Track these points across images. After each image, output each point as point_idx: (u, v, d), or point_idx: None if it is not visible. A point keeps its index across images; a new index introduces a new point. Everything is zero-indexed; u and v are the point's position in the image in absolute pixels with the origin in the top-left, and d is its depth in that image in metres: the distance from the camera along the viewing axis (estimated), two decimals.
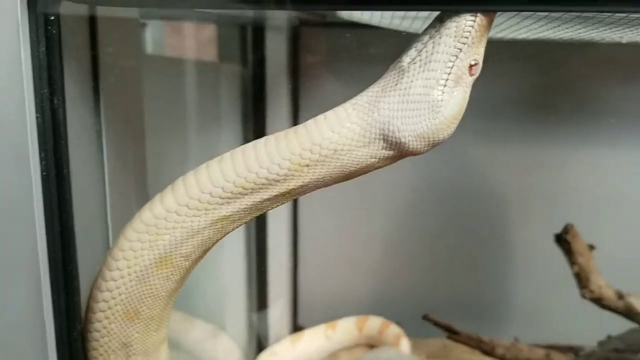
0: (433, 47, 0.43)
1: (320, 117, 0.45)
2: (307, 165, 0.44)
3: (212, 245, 0.49)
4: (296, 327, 1.10)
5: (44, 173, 0.41)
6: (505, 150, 1.03)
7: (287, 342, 0.99)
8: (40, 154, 0.40)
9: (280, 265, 1.05)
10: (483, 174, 1.05)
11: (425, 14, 0.54)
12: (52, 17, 0.40)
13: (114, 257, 0.46)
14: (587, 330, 0.85)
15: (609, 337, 0.81)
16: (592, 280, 0.80)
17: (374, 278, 1.12)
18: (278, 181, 0.45)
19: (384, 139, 0.44)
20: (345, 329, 1.00)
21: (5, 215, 0.40)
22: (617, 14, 0.46)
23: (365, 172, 0.47)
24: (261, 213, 0.48)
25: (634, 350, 0.78)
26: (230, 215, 0.46)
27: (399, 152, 0.45)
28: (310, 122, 0.45)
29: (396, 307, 1.09)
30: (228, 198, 0.45)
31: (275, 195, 0.46)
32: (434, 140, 0.44)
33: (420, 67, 0.43)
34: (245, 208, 0.46)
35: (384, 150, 0.45)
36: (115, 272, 0.46)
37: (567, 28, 0.58)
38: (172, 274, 0.47)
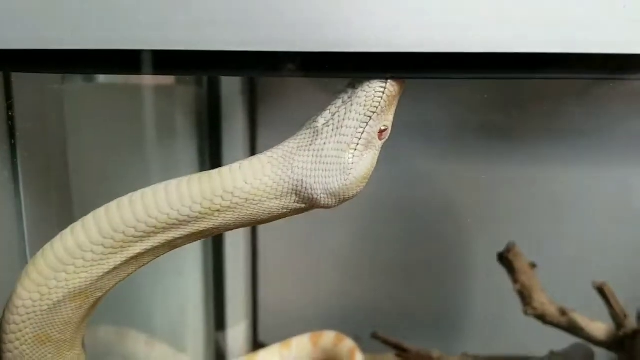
0: (345, 113, 0.45)
1: (235, 165, 0.47)
2: (218, 210, 0.46)
3: (128, 276, 0.50)
4: (257, 344, 1.11)
5: None
6: (464, 166, 1.04)
7: None
8: None
9: (239, 282, 1.06)
10: (439, 190, 1.06)
11: None
12: None
13: (25, 288, 0.45)
14: (541, 340, 0.87)
15: (552, 353, 0.82)
16: (535, 298, 0.82)
17: (334, 294, 1.13)
18: (189, 222, 0.46)
19: (296, 194, 0.47)
20: (300, 346, 1.01)
21: None
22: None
23: (277, 219, 0.49)
24: (178, 247, 0.50)
25: None
26: (145, 251, 0.47)
27: (310, 206, 0.48)
28: (225, 169, 0.47)
29: (356, 322, 1.10)
30: (141, 237, 0.46)
31: (187, 235, 0.47)
32: (344, 197, 0.48)
33: (333, 130, 0.46)
34: (159, 245, 0.47)
35: (295, 204, 0.47)
36: (27, 302, 0.46)
37: None
38: (85, 304, 0.48)
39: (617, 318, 0.78)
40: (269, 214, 0.47)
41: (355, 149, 0.46)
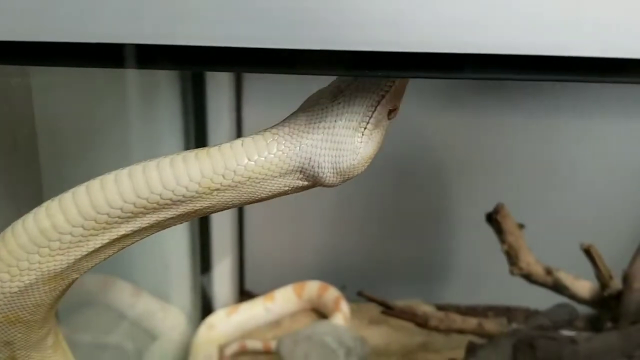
0: (356, 92, 0.44)
1: (237, 142, 0.44)
2: (217, 190, 0.43)
3: (109, 257, 0.48)
4: (243, 293, 1.12)
5: None
6: (454, 119, 1.02)
7: (222, 313, 1.01)
8: None
9: (225, 231, 1.05)
10: (427, 143, 1.04)
11: None
12: None
13: None
14: (524, 291, 0.88)
15: (536, 313, 0.83)
16: (521, 258, 0.81)
17: (321, 246, 1.13)
18: (183, 202, 0.43)
19: (301, 172, 0.45)
20: (284, 298, 1.02)
21: None
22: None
23: (275, 197, 0.47)
24: (168, 228, 0.47)
25: (558, 326, 0.80)
26: (131, 232, 0.44)
27: (313, 183, 0.46)
28: (225, 145, 0.44)
29: (342, 273, 1.10)
30: (128, 217, 0.43)
31: (179, 215, 0.44)
32: (349, 176, 0.46)
33: (343, 107, 0.44)
34: (147, 226, 0.44)
35: (298, 181, 0.46)
36: None
37: None
38: (60, 286, 0.46)
39: (602, 279, 0.78)
40: (269, 192, 0.45)
41: (365, 128, 0.45)
